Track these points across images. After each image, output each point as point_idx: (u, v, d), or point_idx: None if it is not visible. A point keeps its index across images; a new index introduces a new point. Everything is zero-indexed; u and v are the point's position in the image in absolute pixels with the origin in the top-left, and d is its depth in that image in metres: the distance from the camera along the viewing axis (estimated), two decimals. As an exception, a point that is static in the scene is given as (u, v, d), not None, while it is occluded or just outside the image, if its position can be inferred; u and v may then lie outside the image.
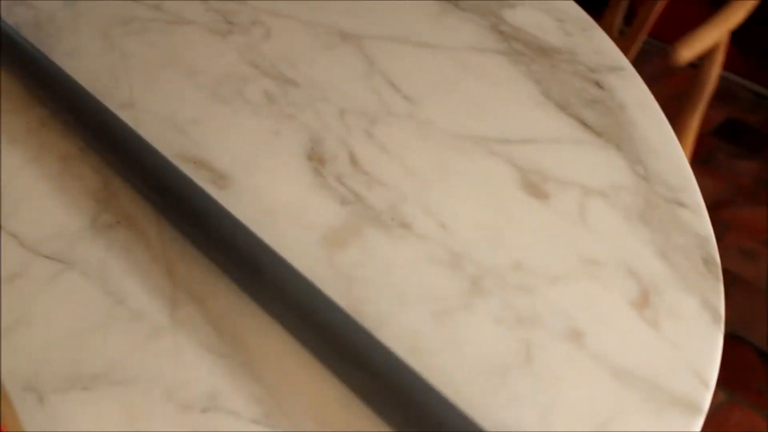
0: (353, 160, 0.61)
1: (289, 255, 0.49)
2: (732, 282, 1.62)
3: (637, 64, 0.82)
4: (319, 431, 0.44)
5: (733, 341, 1.50)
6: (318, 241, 0.54)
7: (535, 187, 0.61)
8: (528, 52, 0.74)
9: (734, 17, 1.16)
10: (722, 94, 1.77)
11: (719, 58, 1.26)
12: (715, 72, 1.26)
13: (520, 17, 0.78)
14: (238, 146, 0.61)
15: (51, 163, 0.57)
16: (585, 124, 0.66)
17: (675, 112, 1.21)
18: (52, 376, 0.45)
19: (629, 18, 1.53)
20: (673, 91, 1.32)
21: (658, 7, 1.38)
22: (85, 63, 0.67)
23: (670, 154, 0.64)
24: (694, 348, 0.50)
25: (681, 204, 0.60)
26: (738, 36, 1.33)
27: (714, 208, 1.76)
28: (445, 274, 0.53)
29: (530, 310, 0.52)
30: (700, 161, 1.86)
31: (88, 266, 0.51)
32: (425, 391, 0.42)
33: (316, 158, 0.61)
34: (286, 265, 0.47)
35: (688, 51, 1.08)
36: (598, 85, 0.71)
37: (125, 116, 0.59)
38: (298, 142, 0.62)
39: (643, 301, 0.54)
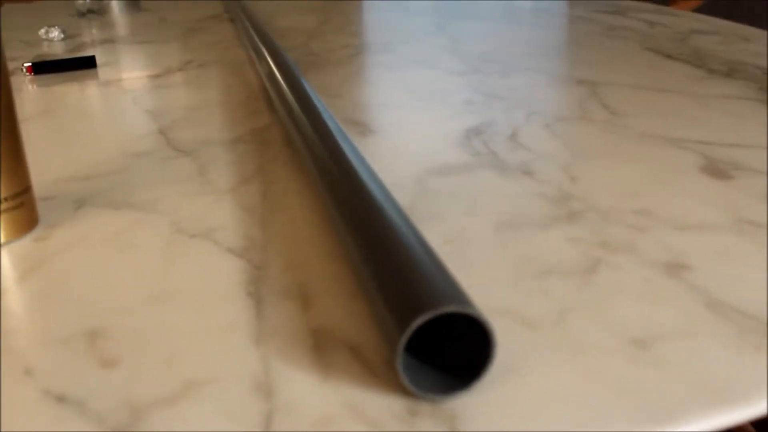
0: (514, 137, 0.56)
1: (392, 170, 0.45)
2: None
3: None
4: (285, 270, 0.38)
5: None
6: (428, 169, 0.50)
7: (719, 171, 0.48)
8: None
9: None
10: None
11: None
12: None
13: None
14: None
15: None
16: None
17: None
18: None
19: None
20: None
21: None
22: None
23: None
24: None
25: None
26: None
27: None
28: (542, 204, 0.44)
29: (624, 241, 0.39)
30: None
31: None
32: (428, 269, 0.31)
33: (473, 132, 0.57)
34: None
35: None
36: None
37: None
38: (467, 123, 0.59)
39: (811, 263, 0.37)
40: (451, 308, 0.27)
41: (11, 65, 0.84)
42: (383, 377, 0.29)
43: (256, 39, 0.77)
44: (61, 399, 0.29)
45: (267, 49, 0.70)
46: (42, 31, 1.01)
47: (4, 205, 0.41)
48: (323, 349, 0.31)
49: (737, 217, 0.42)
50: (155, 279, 0.37)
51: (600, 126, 0.57)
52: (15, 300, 0.36)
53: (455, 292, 0.28)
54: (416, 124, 0.59)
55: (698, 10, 1.28)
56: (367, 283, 0.31)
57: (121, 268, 0.38)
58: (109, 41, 0.99)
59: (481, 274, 0.37)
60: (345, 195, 0.38)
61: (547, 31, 0.95)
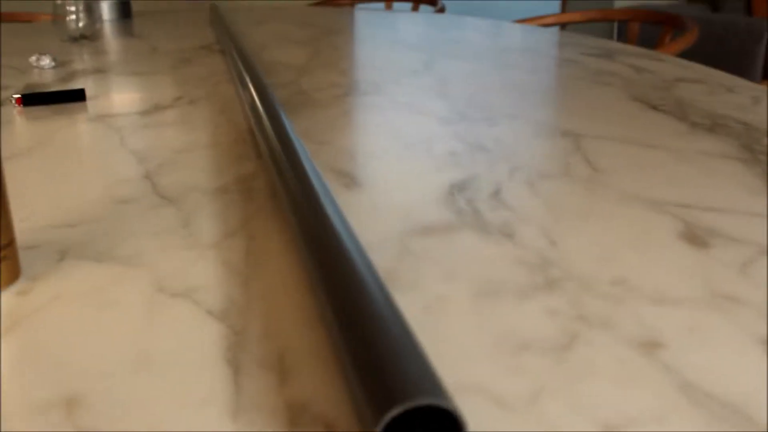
0: (497, 194, 0.56)
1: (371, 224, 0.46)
2: None
3: None
4: (264, 334, 0.38)
5: None
6: (409, 228, 0.50)
7: (697, 238, 0.49)
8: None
9: None
10: None
11: None
12: None
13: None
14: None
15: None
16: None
17: None
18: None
19: None
20: None
21: None
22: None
23: None
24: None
25: None
26: None
27: None
28: (521, 271, 0.45)
29: (601, 314, 0.40)
30: None
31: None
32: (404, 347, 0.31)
33: (456, 188, 0.58)
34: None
35: None
36: None
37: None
38: (451, 178, 0.60)
39: (782, 343, 0.38)
40: (425, 400, 0.27)
41: (2, 93, 0.84)
42: (357, 460, 0.30)
43: (245, 77, 0.77)
44: (35, 474, 0.29)
45: (255, 90, 0.71)
46: (33, 59, 1.01)
47: (-14, 260, 0.41)
48: (298, 425, 0.32)
49: (712, 290, 0.42)
50: (134, 342, 0.37)
51: (582, 184, 0.58)
52: (-7, 363, 0.36)
53: (430, 381, 0.28)
54: (401, 177, 0.60)
55: (687, 50, 1.30)
56: (342, 360, 0.32)
57: (101, 329, 0.39)
58: (100, 71, 0.99)
59: (457, 347, 0.37)
60: (324, 263, 0.38)
61: (534, 75, 0.96)
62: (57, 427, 0.31)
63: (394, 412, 0.27)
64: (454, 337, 0.38)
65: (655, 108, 0.80)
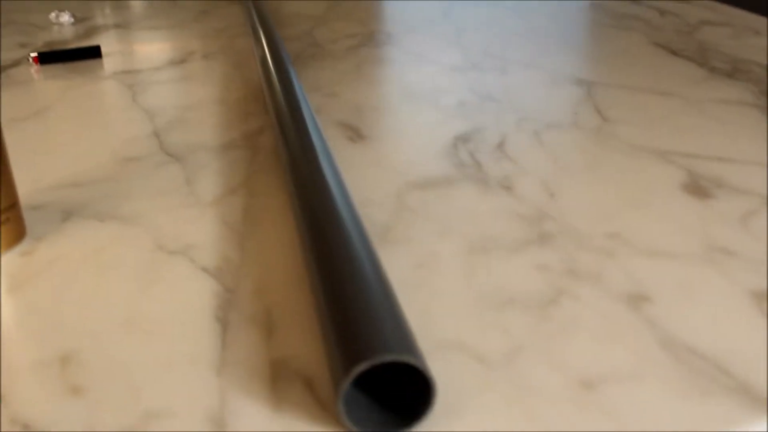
0: (501, 146, 0.56)
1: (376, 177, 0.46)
2: None
3: None
4: (256, 297, 0.39)
5: None
6: (410, 182, 0.50)
7: (700, 189, 0.48)
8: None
9: None
10: None
11: None
12: None
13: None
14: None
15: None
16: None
17: None
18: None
19: None
20: None
21: None
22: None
23: None
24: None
25: None
26: None
27: None
28: (516, 225, 0.45)
29: (590, 269, 0.40)
30: None
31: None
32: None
33: (461, 140, 0.58)
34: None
35: None
36: None
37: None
38: (456, 129, 0.59)
39: (773, 297, 0.37)
40: (390, 357, 0.28)
41: (20, 52, 0.86)
42: (332, 412, 0.30)
43: (259, 30, 0.77)
44: (26, 427, 0.30)
45: (266, 44, 0.71)
46: (52, 15, 1.02)
47: (-11, 222, 0.42)
48: (279, 381, 0.32)
49: (709, 244, 0.42)
50: (130, 302, 0.38)
51: (589, 135, 0.57)
52: (-6, 321, 0.37)
53: (399, 338, 0.29)
54: (407, 130, 0.59)
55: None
56: (320, 317, 0.32)
57: (99, 289, 0.40)
58: (119, 26, 0.99)
59: (444, 303, 0.37)
60: (313, 223, 0.38)
61: (555, 21, 0.94)
62: (51, 381, 0.33)
63: (361, 368, 0.27)
64: (442, 293, 0.38)
65: (675, 53, 0.78)
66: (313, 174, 0.43)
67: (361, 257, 0.34)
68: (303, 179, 0.43)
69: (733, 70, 0.71)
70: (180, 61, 0.82)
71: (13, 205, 0.44)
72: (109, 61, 0.82)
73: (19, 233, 0.44)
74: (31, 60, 0.81)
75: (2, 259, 0.43)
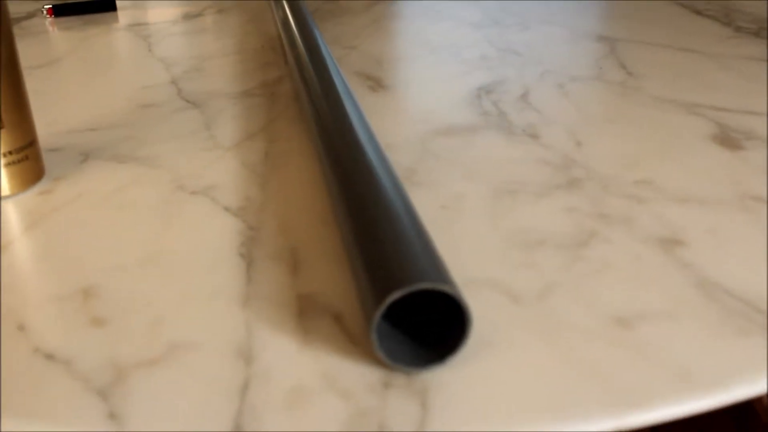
0: (525, 97, 0.55)
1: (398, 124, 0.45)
2: None
3: None
4: (283, 238, 0.38)
5: None
6: (433, 130, 0.49)
7: (731, 140, 0.47)
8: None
9: None
10: None
11: None
12: None
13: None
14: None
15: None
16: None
17: None
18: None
19: None
20: None
21: None
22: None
23: None
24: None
25: None
26: None
27: None
28: (543, 170, 0.44)
29: (621, 213, 0.39)
30: None
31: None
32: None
33: (484, 90, 0.57)
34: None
35: None
36: None
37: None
38: (479, 81, 0.58)
39: (809, 242, 0.36)
40: (425, 285, 0.27)
41: (33, 5, 0.84)
42: (362, 346, 0.30)
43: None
44: (49, 357, 0.30)
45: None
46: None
47: (8, 159, 0.41)
48: (307, 315, 0.32)
49: (741, 192, 0.41)
50: (151, 238, 0.38)
51: (614, 88, 0.56)
52: (16, 255, 0.37)
53: (433, 268, 0.28)
54: (428, 81, 0.58)
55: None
56: (350, 251, 0.31)
57: (120, 227, 0.39)
58: (132, -18, 0.98)
59: (472, 243, 0.37)
60: (340, 160, 0.38)
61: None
62: (72, 313, 0.32)
63: (394, 296, 0.27)
64: (469, 234, 0.37)
65: (699, 12, 0.76)
66: (337, 114, 0.42)
67: (390, 191, 0.33)
68: (327, 120, 0.42)
69: (759, 29, 0.70)
70: (195, 15, 0.81)
71: (32, 142, 0.43)
72: (124, 15, 0.81)
73: (38, 172, 0.44)
74: (45, 12, 0.80)
75: (21, 197, 0.42)
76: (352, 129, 0.40)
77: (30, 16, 0.81)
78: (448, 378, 0.28)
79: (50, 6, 0.80)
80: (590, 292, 0.33)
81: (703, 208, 0.39)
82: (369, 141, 0.39)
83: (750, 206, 0.40)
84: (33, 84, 0.60)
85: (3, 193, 0.42)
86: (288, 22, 0.62)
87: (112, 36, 0.73)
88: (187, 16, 0.80)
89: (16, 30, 0.75)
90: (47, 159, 0.46)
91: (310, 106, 0.46)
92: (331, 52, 0.53)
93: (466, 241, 0.37)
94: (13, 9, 0.84)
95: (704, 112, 0.51)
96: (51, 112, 0.54)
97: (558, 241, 0.37)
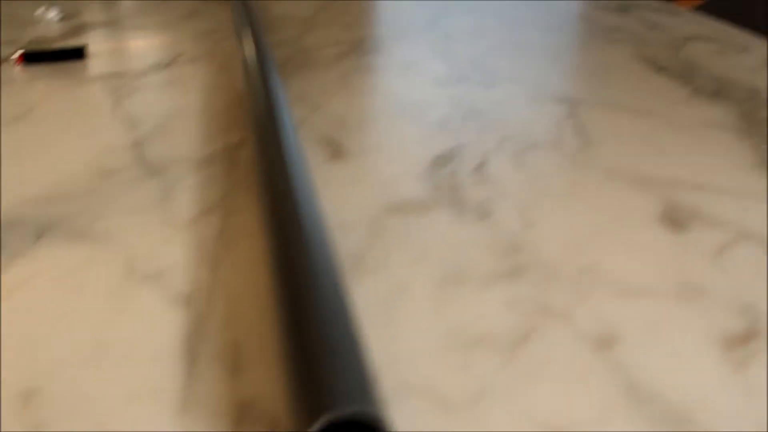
0: (480, 168, 0.56)
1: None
2: None
3: None
4: (225, 322, 0.39)
5: None
6: (386, 205, 0.50)
7: (676, 221, 0.48)
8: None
9: None
10: None
11: None
12: None
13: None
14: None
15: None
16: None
17: None
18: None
19: None
20: None
21: None
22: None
23: None
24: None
25: None
26: None
27: None
28: (489, 256, 0.45)
29: (562, 306, 0.40)
30: None
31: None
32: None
33: (440, 159, 0.58)
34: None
35: None
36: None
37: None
38: (437, 148, 0.59)
39: (742, 340, 0.37)
40: (346, 411, 0.27)
41: (4, 49, 0.85)
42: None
43: (245, 35, 0.77)
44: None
45: (251, 51, 0.70)
46: (40, 11, 1.01)
47: (-41, 243, 0.42)
48: (243, 423, 0.32)
49: (681, 280, 0.42)
50: (97, 332, 0.38)
51: (569, 158, 0.57)
52: (-41, 349, 0.37)
53: (359, 389, 0.29)
54: (388, 147, 0.59)
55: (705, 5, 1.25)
56: (282, 358, 0.32)
57: (67, 317, 0.40)
58: (108, 24, 0.99)
59: (410, 340, 0.37)
60: (281, 252, 0.38)
61: (545, 32, 0.94)
62: (12, 418, 0.33)
63: (320, 423, 0.27)
64: (409, 330, 0.38)
65: (661, 70, 0.78)
66: (286, 196, 0.43)
67: (327, 295, 0.34)
68: (275, 201, 0.43)
69: (717, 90, 0.71)
70: (167, 64, 0.81)
71: (-15, 225, 0.43)
72: (95, 63, 0.82)
73: (-10, 253, 0.44)
74: (14, 60, 0.81)
75: (-28, 281, 0.42)
76: (298, 216, 0.41)
77: None
78: (373, 498, 0.29)
79: (22, 52, 0.81)
80: (522, 398, 0.34)
81: (642, 301, 0.40)
82: (315, 227, 0.40)
83: (688, 296, 0.41)
84: (-4, 146, 0.60)
85: (-46, 278, 0.42)
86: (253, 79, 0.63)
87: (80, 90, 0.74)
88: (159, 65, 0.81)
89: (-15, 81, 0.76)
90: (4, 234, 0.47)
91: (261, 182, 0.46)
92: (292, 115, 0.54)
93: (405, 339, 0.38)
94: (-16, 56, 0.84)
95: (654, 186, 0.52)
96: (12, 176, 0.55)
97: (496, 338, 0.37)
